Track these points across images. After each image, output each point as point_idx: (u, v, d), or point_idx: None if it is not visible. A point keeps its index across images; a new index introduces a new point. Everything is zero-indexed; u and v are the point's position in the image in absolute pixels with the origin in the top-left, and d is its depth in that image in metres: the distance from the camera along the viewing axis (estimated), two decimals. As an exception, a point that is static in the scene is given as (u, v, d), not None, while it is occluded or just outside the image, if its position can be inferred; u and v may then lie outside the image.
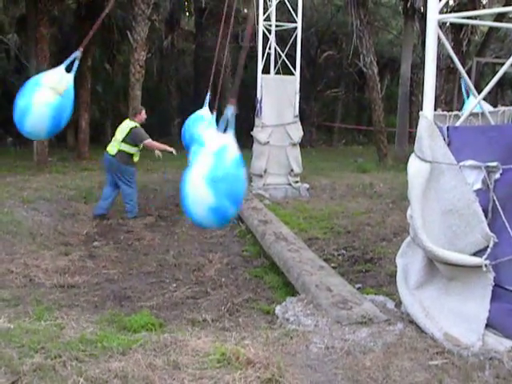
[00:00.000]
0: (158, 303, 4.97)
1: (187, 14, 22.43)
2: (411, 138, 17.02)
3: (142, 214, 8.73)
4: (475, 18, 4.99)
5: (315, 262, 5.45)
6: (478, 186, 3.50)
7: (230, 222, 5.98)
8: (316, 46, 23.03)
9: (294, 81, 10.81)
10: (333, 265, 6.15)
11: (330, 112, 25.97)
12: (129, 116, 8.95)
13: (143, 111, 8.76)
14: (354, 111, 28.19)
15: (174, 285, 5.52)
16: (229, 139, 4.05)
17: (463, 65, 15.51)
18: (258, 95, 10.70)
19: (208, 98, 9.34)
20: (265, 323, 4.36)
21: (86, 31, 14.48)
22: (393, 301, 4.51)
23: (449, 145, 3.66)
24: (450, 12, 15.12)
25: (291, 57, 11.20)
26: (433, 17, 3.62)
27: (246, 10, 23.42)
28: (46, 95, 4.92)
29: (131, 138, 8.35)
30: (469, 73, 16.14)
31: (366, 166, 14.24)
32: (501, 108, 4.00)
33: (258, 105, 10.73)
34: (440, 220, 3.70)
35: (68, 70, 5.14)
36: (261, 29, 10.68)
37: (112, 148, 8.39)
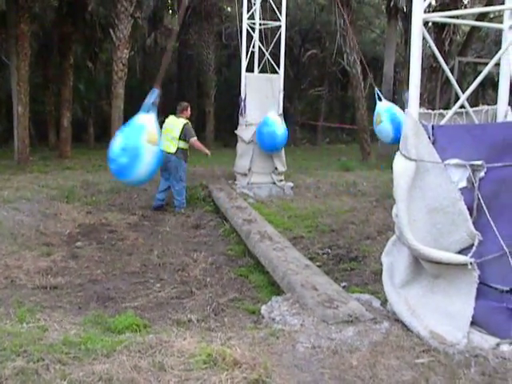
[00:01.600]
0: (142, 304, 4.92)
1: (170, 11, 22.27)
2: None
3: (126, 213, 8.68)
4: (457, 17, 5.02)
5: (300, 261, 5.44)
6: (463, 184, 3.51)
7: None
8: (299, 45, 23.07)
9: (278, 79, 10.78)
10: (318, 263, 6.14)
11: (313, 111, 26.04)
12: (176, 113, 9.17)
13: (189, 107, 9.24)
14: (338, 110, 28.32)
15: (159, 285, 5.47)
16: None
17: (446, 64, 15.64)
18: (242, 94, 10.66)
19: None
20: (250, 323, 4.34)
21: (68, 28, 14.38)
22: (378, 299, 4.52)
23: (434, 143, 3.66)
24: (433, 12, 15.24)
25: (275, 55, 11.18)
26: (418, 16, 3.62)
27: (229, 9, 23.40)
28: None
29: (184, 134, 8.80)
30: (451, 72, 16.29)
31: (349, 164, 14.28)
32: (484, 107, 4.02)
33: (242, 103, 10.68)
34: (425, 218, 3.70)
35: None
36: (245, 27, 10.63)
37: (170, 147, 8.73)
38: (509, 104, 4.08)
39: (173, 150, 8.73)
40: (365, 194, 10.64)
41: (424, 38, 3.65)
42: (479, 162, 3.43)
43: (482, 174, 3.43)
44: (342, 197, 10.54)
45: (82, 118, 18.74)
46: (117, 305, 4.92)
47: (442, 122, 3.83)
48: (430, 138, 3.67)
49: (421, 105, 3.93)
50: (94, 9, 14.24)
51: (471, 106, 4.08)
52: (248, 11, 10.71)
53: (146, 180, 6.26)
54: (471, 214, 3.50)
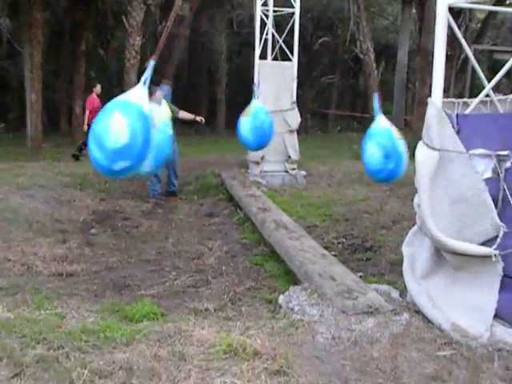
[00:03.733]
0: (158, 292, 4.90)
1: (182, -2, 22.10)
2: (407, 125, 16.98)
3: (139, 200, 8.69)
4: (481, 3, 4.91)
5: (317, 250, 5.39)
6: (488, 174, 3.44)
7: None
8: (311, 32, 22.86)
9: (291, 67, 10.69)
10: (333, 253, 6.08)
11: (324, 99, 25.90)
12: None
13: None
14: (349, 98, 28.16)
15: (174, 273, 5.45)
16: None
17: (460, 52, 15.45)
18: (256, 80, 10.57)
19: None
20: (268, 312, 4.31)
21: (80, 16, 14.32)
22: (396, 290, 4.48)
23: (458, 133, 3.59)
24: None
25: (287, 43, 11.06)
26: (443, 1, 3.53)
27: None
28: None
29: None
30: (465, 60, 16.08)
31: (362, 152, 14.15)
32: (510, 96, 3.94)
33: (256, 89, 10.59)
34: (448, 209, 3.64)
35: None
36: (258, 14, 10.52)
37: None
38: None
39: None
40: (378, 183, 10.55)
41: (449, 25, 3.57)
42: (505, 152, 3.36)
43: (508, 164, 3.36)
44: (355, 186, 10.46)
45: (93, 106, 18.72)
46: (133, 293, 4.91)
47: (467, 111, 3.75)
48: (454, 127, 3.59)
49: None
50: (106, -4, 14.20)
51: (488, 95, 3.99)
52: (261, -2, 10.59)
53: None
54: (496, 205, 3.43)
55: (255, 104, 8.86)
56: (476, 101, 3.75)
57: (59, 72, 16.77)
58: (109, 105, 4.45)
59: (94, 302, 4.53)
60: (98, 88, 11.94)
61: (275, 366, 3.02)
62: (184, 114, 8.96)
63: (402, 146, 5.83)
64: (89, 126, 10.48)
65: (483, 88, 3.83)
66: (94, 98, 11.73)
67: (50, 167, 10.20)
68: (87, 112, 11.57)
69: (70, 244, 6.21)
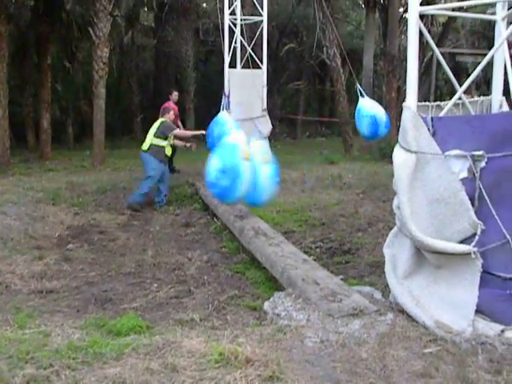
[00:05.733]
0: (141, 305, 4.88)
1: (146, 9, 22.04)
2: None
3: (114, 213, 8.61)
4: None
5: (298, 255, 5.45)
6: (464, 174, 3.56)
7: None
8: (277, 40, 23.02)
9: (261, 74, 10.78)
10: (312, 257, 6.16)
11: (292, 105, 26.07)
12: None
13: (171, 112, 9.60)
14: (316, 103, 28.40)
15: (156, 285, 5.43)
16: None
17: (424, 56, 15.82)
18: (226, 89, 10.61)
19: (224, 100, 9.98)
20: (253, 319, 4.35)
21: (44, 28, 14.09)
22: (378, 290, 4.56)
23: (433, 135, 3.70)
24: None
25: (254, 50, 11.15)
26: (414, 9, 3.64)
27: (204, 5, 23.27)
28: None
29: (161, 131, 9.04)
30: (429, 64, 16.46)
31: (333, 157, 14.33)
32: (480, 98, 4.08)
33: (226, 99, 10.63)
34: (427, 209, 3.74)
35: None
36: (226, 23, 10.58)
37: (145, 144, 9.03)
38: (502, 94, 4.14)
39: (145, 147, 8.99)
40: (350, 187, 10.70)
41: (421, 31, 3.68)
42: (480, 153, 3.48)
43: (483, 164, 3.48)
44: (328, 190, 10.58)
45: (60, 119, 18.45)
46: (116, 306, 4.87)
47: (441, 114, 3.87)
48: (429, 129, 3.70)
49: (404, 97, 3.96)
50: (71, 8, 14.00)
51: (450, 97, 4.12)
52: (229, 7, 10.65)
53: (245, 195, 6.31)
54: (473, 204, 3.55)
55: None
56: (450, 103, 3.87)
57: (24, 86, 16.49)
58: None
59: (77, 317, 4.48)
60: (174, 95, 11.55)
61: (268, 372, 3.04)
62: (181, 131, 9.62)
63: None
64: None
65: (446, 90, 3.95)
66: (173, 106, 10.91)
67: (20, 183, 10.01)
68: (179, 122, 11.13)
69: (47, 260, 6.11)
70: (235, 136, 6.04)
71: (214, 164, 5.72)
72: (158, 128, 9.07)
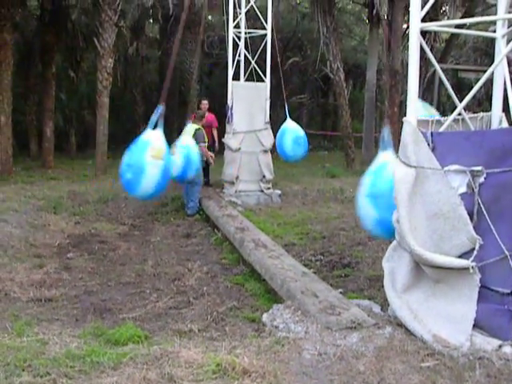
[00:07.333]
0: (140, 315, 4.88)
1: (151, 20, 22.24)
2: (377, 142, 17.30)
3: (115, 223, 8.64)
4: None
5: (297, 268, 5.46)
6: (463, 189, 3.58)
7: None
8: (281, 53, 23.15)
9: (264, 87, 10.86)
10: (312, 270, 6.16)
11: (295, 118, 26.13)
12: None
13: (203, 117, 9.83)
14: (318, 117, 28.52)
15: (155, 295, 5.43)
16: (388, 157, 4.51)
17: (426, 71, 15.89)
18: (229, 102, 10.69)
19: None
20: (252, 331, 4.34)
21: (50, 38, 14.24)
22: (377, 304, 4.57)
23: (433, 150, 3.73)
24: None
25: (258, 64, 11.24)
26: (415, 25, 3.69)
27: (210, 17, 23.43)
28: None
29: (195, 138, 9.07)
30: (430, 79, 16.53)
31: (334, 171, 14.38)
32: (480, 114, 4.11)
33: (229, 111, 10.71)
34: (426, 224, 3.76)
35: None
36: (231, 36, 10.68)
37: None
38: (502, 111, 4.17)
39: None
40: (351, 201, 10.69)
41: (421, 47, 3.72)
42: (479, 168, 3.50)
43: (482, 179, 3.50)
44: (330, 203, 10.62)
45: (63, 128, 18.56)
46: (114, 316, 4.87)
47: (441, 129, 3.89)
48: (429, 144, 3.73)
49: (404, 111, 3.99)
50: (77, 18, 14.15)
51: (451, 112, 4.16)
52: (234, 20, 10.76)
53: (154, 194, 6.66)
54: (471, 219, 3.56)
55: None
56: (449, 119, 3.90)
57: (28, 94, 16.61)
58: None
59: (75, 326, 4.48)
60: (203, 104, 11.41)
61: (265, 383, 3.04)
62: (204, 149, 9.39)
63: None
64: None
65: (449, 106, 3.99)
66: (210, 115, 11.00)
67: (22, 191, 10.06)
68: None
69: (47, 269, 6.12)
70: (149, 134, 6.28)
71: (125, 158, 6.22)
72: (194, 134, 9.12)
